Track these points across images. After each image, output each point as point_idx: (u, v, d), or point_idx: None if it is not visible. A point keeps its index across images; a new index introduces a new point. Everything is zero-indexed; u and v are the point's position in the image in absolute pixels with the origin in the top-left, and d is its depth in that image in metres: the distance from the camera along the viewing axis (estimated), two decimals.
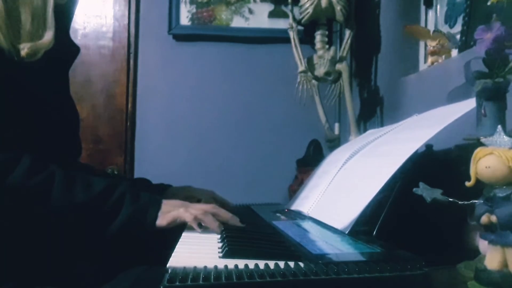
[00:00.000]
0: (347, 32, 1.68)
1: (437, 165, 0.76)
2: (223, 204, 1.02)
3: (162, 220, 0.79)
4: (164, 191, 1.08)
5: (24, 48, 0.78)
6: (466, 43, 1.15)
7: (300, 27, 1.71)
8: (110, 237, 0.77)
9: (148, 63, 2.03)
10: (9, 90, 0.77)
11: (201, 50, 2.03)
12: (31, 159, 0.75)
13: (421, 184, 0.55)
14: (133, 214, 0.78)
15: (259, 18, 2.01)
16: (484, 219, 0.51)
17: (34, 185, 0.74)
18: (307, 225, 0.84)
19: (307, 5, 1.60)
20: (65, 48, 0.93)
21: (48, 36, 0.81)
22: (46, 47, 0.80)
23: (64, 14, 0.91)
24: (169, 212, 0.79)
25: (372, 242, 0.63)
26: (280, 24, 1.97)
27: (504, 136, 0.51)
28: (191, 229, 0.78)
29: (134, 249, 0.85)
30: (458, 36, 1.22)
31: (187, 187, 1.11)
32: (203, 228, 0.78)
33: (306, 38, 1.72)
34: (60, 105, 0.90)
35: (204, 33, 2.01)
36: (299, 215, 0.96)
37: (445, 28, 1.34)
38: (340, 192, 0.86)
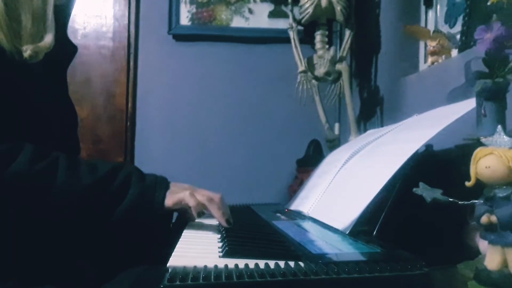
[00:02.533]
0: (347, 32, 1.68)
1: (437, 165, 0.76)
2: None
3: (169, 200, 0.78)
4: None
5: (27, 50, 0.77)
6: (466, 43, 1.15)
7: (300, 27, 1.71)
8: (119, 219, 0.76)
9: (148, 63, 2.03)
10: (7, 90, 0.77)
11: (201, 50, 2.03)
12: (33, 147, 0.74)
13: (421, 184, 0.55)
14: (141, 194, 0.77)
15: (259, 18, 2.01)
16: (484, 219, 0.51)
17: (39, 171, 0.72)
18: (307, 225, 0.84)
19: (307, 5, 1.60)
20: (63, 48, 0.92)
21: (49, 38, 0.80)
22: (47, 49, 0.80)
23: (62, 14, 0.91)
24: (176, 193, 0.79)
25: (372, 242, 0.63)
26: (280, 24, 1.97)
27: (504, 136, 0.51)
28: (191, 228, 0.78)
29: (135, 248, 0.84)
30: (458, 36, 1.22)
31: None
32: (201, 217, 0.78)
33: (306, 38, 1.72)
34: (58, 105, 0.90)
35: (204, 33, 2.01)
36: (299, 215, 0.96)
37: (445, 28, 1.34)
38: (340, 192, 0.86)
